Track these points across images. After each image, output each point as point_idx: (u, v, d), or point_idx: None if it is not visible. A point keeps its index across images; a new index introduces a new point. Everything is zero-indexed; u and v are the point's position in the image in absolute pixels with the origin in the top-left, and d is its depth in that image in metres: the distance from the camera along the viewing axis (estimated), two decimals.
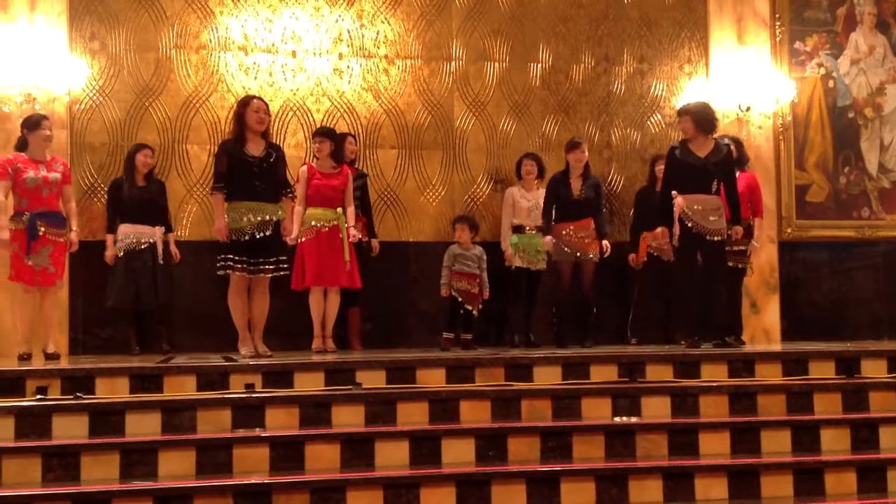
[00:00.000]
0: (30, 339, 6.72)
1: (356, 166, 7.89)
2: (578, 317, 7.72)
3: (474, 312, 7.35)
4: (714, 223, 6.82)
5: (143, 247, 7.32)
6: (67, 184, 6.84)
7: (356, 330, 7.72)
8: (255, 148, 6.32)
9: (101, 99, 7.98)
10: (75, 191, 7.26)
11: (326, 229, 6.93)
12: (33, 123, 6.73)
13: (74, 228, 6.82)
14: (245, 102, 6.40)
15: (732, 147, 7.15)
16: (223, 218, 6.21)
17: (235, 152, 6.27)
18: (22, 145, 6.77)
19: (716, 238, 6.83)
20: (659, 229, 6.97)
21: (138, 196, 7.37)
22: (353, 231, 7.03)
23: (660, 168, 8.08)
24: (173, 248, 7.46)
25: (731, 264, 7.21)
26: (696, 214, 6.79)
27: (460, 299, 7.32)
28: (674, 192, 6.85)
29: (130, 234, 7.33)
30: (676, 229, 6.82)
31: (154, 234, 7.36)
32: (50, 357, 6.60)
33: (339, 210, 7.03)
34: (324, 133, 7.23)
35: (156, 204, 7.46)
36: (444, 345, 7.27)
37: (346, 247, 6.97)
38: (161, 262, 7.38)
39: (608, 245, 7.65)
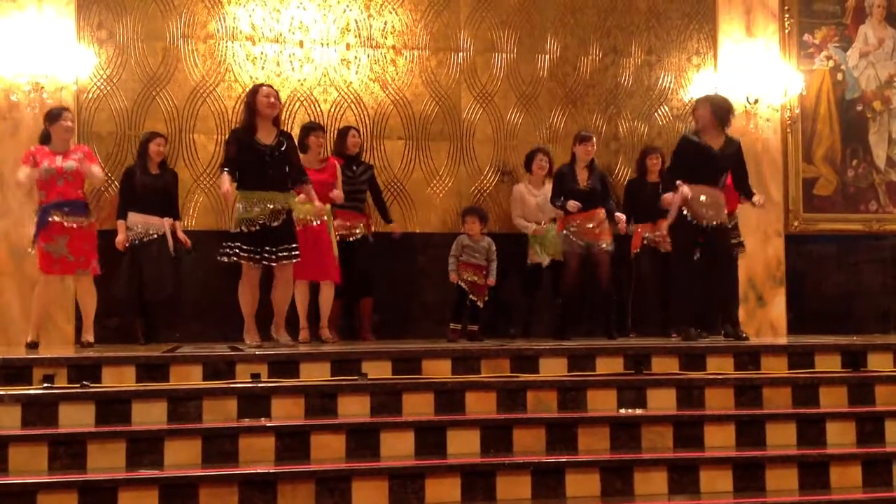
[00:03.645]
0: (39, 327, 6.75)
1: (362, 158, 7.89)
2: (604, 311, 7.64)
3: (479, 304, 7.34)
4: (713, 217, 6.79)
5: (150, 237, 7.32)
6: (91, 163, 6.75)
7: (368, 320, 7.73)
8: (265, 136, 6.30)
9: (108, 88, 7.98)
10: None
11: (315, 225, 6.91)
12: (54, 116, 6.74)
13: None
14: (255, 90, 6.39)
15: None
16: (227, 184, 6.17)
17: (246, 140, 6.25)
18: (45, 138, 6.78)
19: (714, 223, 6.79)
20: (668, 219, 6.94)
21: (150, 185, 7.37)
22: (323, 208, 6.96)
23: (653, 161, 8.07)
24: (181, 235, 7.44)
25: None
26: (699, 205, 6.78)
27: (466, 289, 7.31)
28: (679, 182, 6.85)
29: (138, 224, 7.32)
30: (673, 214, 6.81)
31: (163, 225, 7.35)
32: (84, 345, 6.67)
33: (328, 206, 7.07)
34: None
35: (167, 193, 7.46)
36: (451, 336, 7.27)
37: (334, 242, 7.03)
38: (173, 254, 7.36)
39: (622, 216, 7.55)
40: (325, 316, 7.17)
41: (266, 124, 6.32)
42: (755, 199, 7.06)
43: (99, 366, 5.34)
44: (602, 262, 7.53)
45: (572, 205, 7.38)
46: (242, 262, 6.22)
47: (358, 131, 7.90)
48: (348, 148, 7.69)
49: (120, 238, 7.30)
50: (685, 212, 6.75)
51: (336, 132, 7.90)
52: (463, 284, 7.31)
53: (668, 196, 6.83)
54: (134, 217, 7.33)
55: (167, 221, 7.38)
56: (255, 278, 6.30)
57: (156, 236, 7.33)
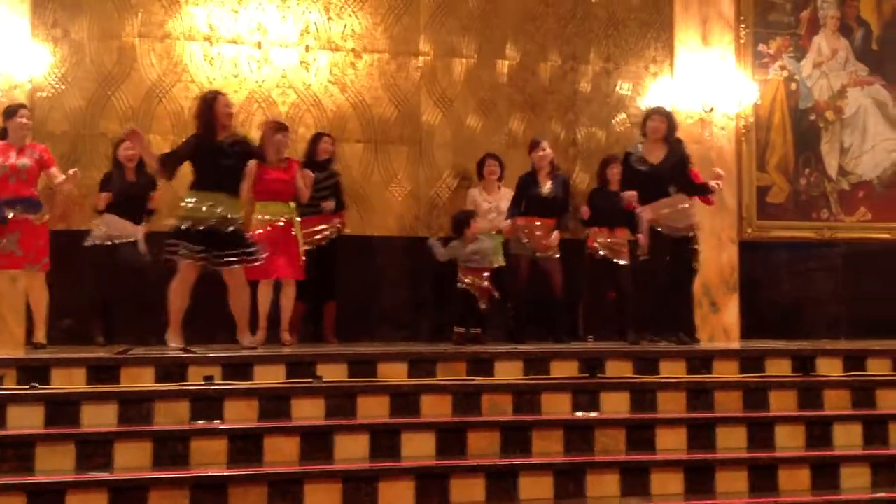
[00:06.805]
0: None
1: (332, 167, 7.80)
2: (550, 316, 7.65)
3: (482, 306, 7.20)
4: (682, 224, 6.94)
5: (122, 241, 7.19)
6: (49, 167, 6.77)
7: (331, 325, 7.67)
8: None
9: (62, 87, 7.87)
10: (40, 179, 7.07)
11: (281, 224, 6.87)
12: (11, 112, 6.76)
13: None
14: (213, 98, 6.36)
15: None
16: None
17: (205, 143, 6.24)
18: (3, 134, 6.76)
19: (689, 234, 6.98)
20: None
21: (126, 191, 7.20)
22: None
23: (613, 171, 8.07)
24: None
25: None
26: (667, 219, 6.89)
27: (473, 293, 7.17)
28: (638, 206, 6.97)
29: (111, 224, 7.17)
30: (645, 239, 6.92)
31: (137, 231, 7.22)
32: (35, 347, 6.58)
33: (292, 204, 7.03)
34: None
35: (144, 200, 7.31)
36: (457, 340, 7.09)
37: (301, 241, 6.98)
38: (147, 256, 7.22)
39: (557, 236, 7.53)
40: (286, 319, 7.09)
41: (223, 131, 6.33)
42: (711, 185, 7.16)
43: (48, 367, 5.27)
44: (553, 271, 7.53)
45: (507, 226, 7.43)
46: (185, 259, 6.15)
47: (332, 138, 7.83)
48: (318, 153, 7.64)
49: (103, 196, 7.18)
50: (661, 230, 6.87)
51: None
52: (470, 289, 7.20)
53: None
54: (107, 218, 7.18)
55: (141, 229, 7.24)
56: (190, 279, 6.19)
57: (128, 241, 7.20)
